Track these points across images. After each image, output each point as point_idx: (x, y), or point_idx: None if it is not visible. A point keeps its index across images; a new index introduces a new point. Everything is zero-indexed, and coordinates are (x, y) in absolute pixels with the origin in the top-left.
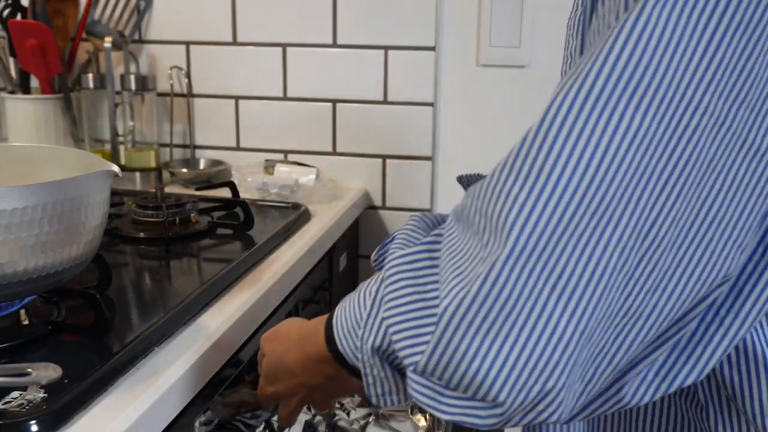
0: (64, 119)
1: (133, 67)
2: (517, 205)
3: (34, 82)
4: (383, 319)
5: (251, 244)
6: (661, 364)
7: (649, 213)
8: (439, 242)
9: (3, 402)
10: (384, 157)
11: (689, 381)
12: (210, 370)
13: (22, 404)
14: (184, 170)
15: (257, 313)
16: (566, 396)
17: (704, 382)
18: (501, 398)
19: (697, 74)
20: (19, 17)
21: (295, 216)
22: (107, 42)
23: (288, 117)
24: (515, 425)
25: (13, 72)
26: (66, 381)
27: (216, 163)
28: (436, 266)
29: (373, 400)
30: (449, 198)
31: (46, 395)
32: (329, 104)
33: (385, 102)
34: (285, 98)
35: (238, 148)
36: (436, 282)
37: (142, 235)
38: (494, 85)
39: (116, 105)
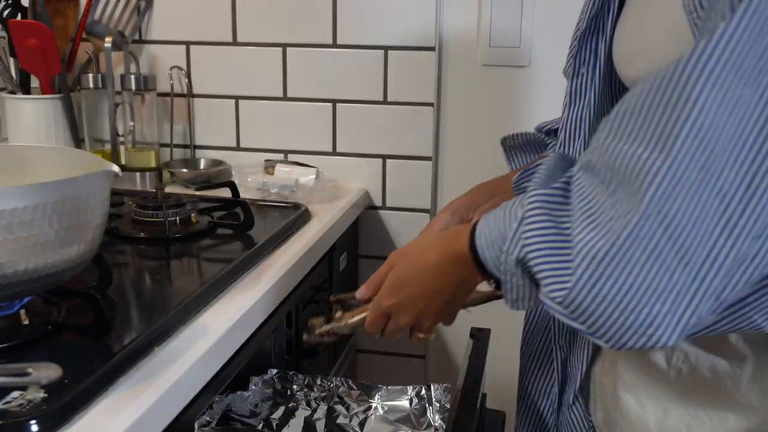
0: (64, 119)
1: (133, 67)
2: (650, 172)
3: (35, 82)
4: (522, 239)
5: (251, 244)
6: None
7: (748, 168)
8: (570, 184)
9: (3, 402)
10: (384, 157)
11: None
12: (210, 370)
13: (22, 404)
14: (184, 170)
15: (257, 313)
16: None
17: None
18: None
19: None
20: (19, 17)
21: (295, 216)
22: (107, 42)
23: (288, 117)
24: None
25: (13, 72)
26: (66, 381)
27: (216, 163)
28: (568, 204)
29: (509, 305)
30: (449, 198)
31: (47, 395)
32: (329, 104)
33: (385, 102)
34: (285, 98)
35: (238, 148)
36: (568, 218)
37: (142, 235)
38: (494, 85)
39: (116, 105)
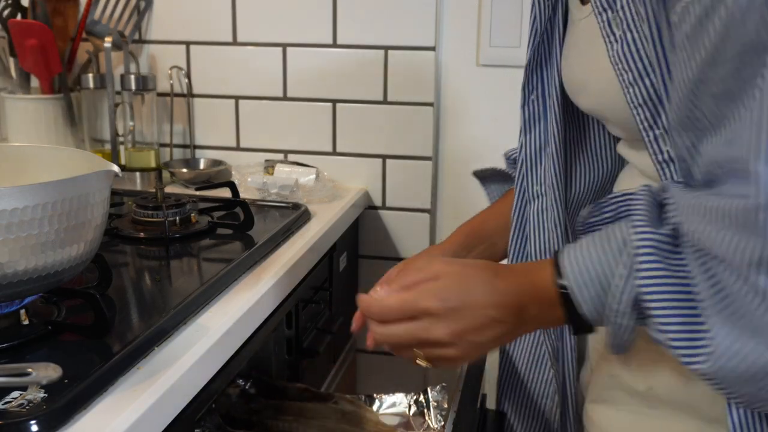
0: (64, 119)
1: (133, 67)
2: None
3: (34, 82)
4: (636, 281)
5: (251, 244)
6: None
7: None
8: (677, 235)
9: (3, 402)
10: (384, 157)
11: None
12: (210, 370)
13: (22, 404)
14: (184, 170)
15: (257, 313)
16: None
17: None
18: None
19: None
20: (19, 17)
21: (295, 216)
22: (107, 42)
23: (288, 117)
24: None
25: (13, 72)
26: (66, 381)
27: (216, 163)
28: (679, 254)
29: (610, 350)
30: (449, 198)
31: (46, 395)
32: (329, 104)
33: (385, 102)
34: (285, 98)
35: (238, 148)
36: (683, 269)
37: (142, 235)
38: (494, 85)
39: (116, 105)
